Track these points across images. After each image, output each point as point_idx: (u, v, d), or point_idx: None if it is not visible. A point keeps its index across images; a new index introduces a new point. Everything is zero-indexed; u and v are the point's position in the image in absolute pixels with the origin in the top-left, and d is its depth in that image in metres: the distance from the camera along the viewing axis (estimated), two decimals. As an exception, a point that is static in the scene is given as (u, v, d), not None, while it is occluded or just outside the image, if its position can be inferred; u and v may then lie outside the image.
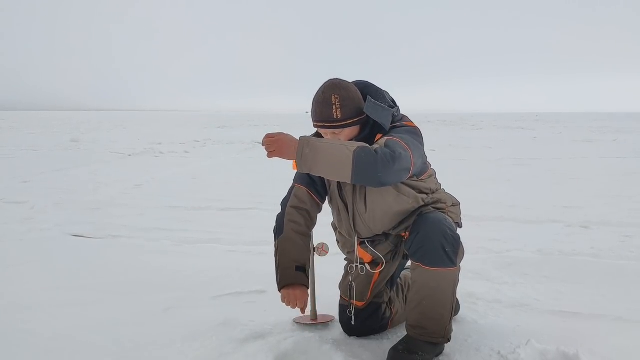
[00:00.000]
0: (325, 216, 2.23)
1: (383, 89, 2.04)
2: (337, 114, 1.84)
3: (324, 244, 2.17)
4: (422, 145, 1.94)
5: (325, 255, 2.19)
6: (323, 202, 2.16)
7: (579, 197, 5.50)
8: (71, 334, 2.13)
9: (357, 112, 1.88)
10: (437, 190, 2.08)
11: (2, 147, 12.69)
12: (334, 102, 1.84)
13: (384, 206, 1.95)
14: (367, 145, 1.73)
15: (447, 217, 1.95)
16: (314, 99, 1.91)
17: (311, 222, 2.15)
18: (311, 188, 2.11)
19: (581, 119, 46.95)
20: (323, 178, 2.10)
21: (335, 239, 2.26)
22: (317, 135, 2.01)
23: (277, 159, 1.80)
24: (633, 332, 2.18)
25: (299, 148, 1.71)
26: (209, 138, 16.98)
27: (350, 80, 2.00)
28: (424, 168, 2.00)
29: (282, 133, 1.78)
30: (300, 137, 1.76)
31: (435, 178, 2.12)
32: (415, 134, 1.91)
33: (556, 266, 3.09)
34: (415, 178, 1.96)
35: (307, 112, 2.12)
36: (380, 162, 1.67)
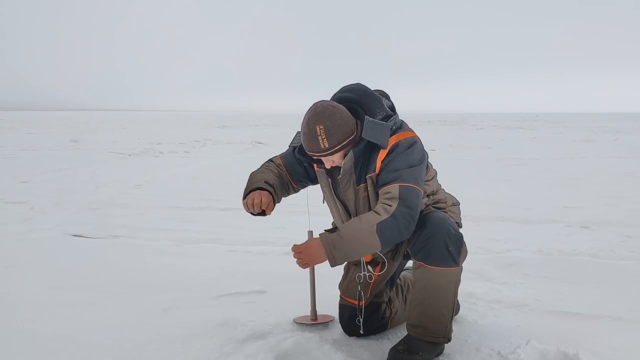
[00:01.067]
0: (326, 216, 2.24)
1: (381, 89, 2.04)
2: (324, 144, 1.84)
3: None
4: (423, 158, 1.92)
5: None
6: (295, 186, 2.19)
7: (579, 197, 5.50)
8: (71, 334, 2.14)
9: (345, 136, 1.86)
10: (437, 191, 2.10)
11: (2, 147, 12.68)
12: (319, 134, 1.83)
13: None
14: (385, 213, 1.77)
15: (449, 216, 1.96)
16: (301, 128, 1.91)
17: (283, 184, 2.15)
18: (289, 168, 2.15)
19: (581, 119, 46.95)
20: (309, 172, 2.13)
21: None
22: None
23: None
24: (633, 332, 2.19)
25: (328, 253, 1.80)
26: (209, 138, 16.99)
27: (348, 83, 1.99)
28: (426, 172, 2.01)
29: (306, 243, 1.87)
30: (322, 240, 1.81)
31: (436, 179, 2.13)
32: (413, 153, 1.88)
33: (556, 266, 3.09)
34: None
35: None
36: (403, 227, 1.79)
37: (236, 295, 2.62)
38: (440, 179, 2.20)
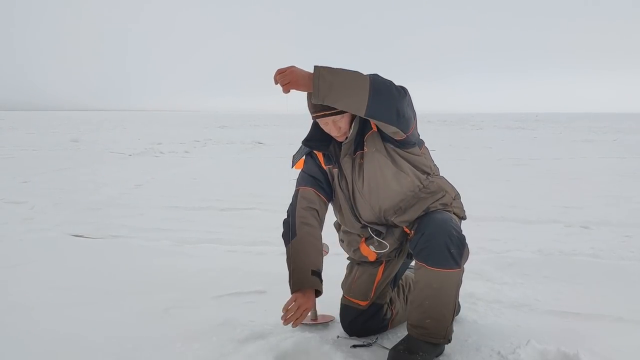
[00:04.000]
0: (327, 216, 2.24)
1: None
2: None
3: (324, 244, 2.17)
4: (414, 112, 1.92)
5: (325, 255, 2.19)
6: (329, 199, 2.14)
7: (579, 197, 5.50)
8: (71, 334, 2.14)
9: None
10: (435, 173, 2.08)
11: (2, 147, 12.68)
12: None
13: (382, 180, 1.96)
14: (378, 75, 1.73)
15: (452, 217, 1.95)
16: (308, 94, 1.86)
17: (321, 222, 2.11)
18: (317, 187, 2.09)
19: (581, 119, 46.94)
20: (326, 175, 2.09)
21: (339, 239, 2.26)
22: (314, 129, 2.03)
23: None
24: (633, 332, 2.19)
25: (315, 73, 1.67)
26: (209, 138, 16.98)
27: None
28: (420, 141, 2.03)
29: (293, 65, 1.72)
30: (314, 65, 1.69)
31: (431, 157, 2.12)
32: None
33: (556, 266, 3.09)
34: (416, 149, 1.99)
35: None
36: (395, 89, 1.72)
37: (236, 295, 2.62)
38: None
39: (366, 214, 2.05)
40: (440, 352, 1.97)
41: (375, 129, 1.94)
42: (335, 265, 2.48)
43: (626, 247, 3.53)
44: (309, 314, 2.26)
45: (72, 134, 18.48)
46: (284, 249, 2.05)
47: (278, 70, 1.73)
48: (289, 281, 1.96)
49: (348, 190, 2.05)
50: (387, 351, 1.95)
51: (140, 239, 3.81)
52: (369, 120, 1.92)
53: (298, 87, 1.72)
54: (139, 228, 4.17)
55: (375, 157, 1.95)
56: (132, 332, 2.16)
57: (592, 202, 5.21)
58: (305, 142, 2.05)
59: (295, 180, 2.17)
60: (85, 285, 2.77)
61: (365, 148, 1.96)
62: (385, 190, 1.97)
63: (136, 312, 2.39)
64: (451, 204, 2.03)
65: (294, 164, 2.14)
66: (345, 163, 2.02)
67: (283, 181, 2.17)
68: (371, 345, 2.06)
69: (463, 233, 1.91)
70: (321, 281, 1.98)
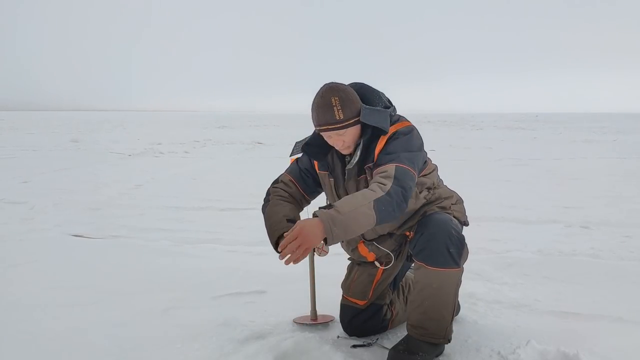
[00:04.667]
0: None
1: (378, 89, 2.03)
2: (339, 114, 1.83)
3: (324, 244, 2.17)
4: (421, 146, 1.94)
5: (325, 255, 2.19)
6: (309, 195, 2.15)
7: (579, 197, 5.50)
8: (71, 334, 2.14)
9: (357, 111, 1.87)
10: (438, 185, 2.08)
11: (2, 147, 12.68)
12: (334, 104, 1.83)
13: None
14: (380, 191, 1.71)
15: (452, 217, 1.95)
16: (314, 103, 1.89)
17: (297, 204, 2.11)
18: (299, 180, 2.12)
19: (581, 119, 46.94)
20: (316, 179, 2.11)
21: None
22: (315, 135, 2.01)
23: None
24: (633, 332, 2.18)
25: (327, 229, 1.63)
26: (209, 138, 16.99)
27: (346, 83, 2.00)
28: (424, 166, 2.01)
29: (299, 226, 1.64)
30: (320, 216, 1.65)
31: (437, 173, 2.12)
32: (411, 139, 1.89)
33: (556, 266, 3.09)
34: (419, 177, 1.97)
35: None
36: (397, 206, 1.74)
37: (236, 296, 2.62)
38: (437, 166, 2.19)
39: (368, 234, 2.07)
40: (440, 352, 1.97)
41: (375, 160, 1.90)
42: (335, 265, 2.48)
43: (626, 247, 3.53)
44: (309, 313, 2.26)
45: (72, 134, 18.49)
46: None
47: (286, 239, 1.64)
48: (269, 238, 1.98)
49: None
50: (387, 351, 1.95)
51: (140, 239, 3.81)
52: (372, 143, 1.91)
53: (314, 245, 1.65)
54: (139, 228, 4.17)
55: None
56: (132, 332, 2.16)
57: (592, 202, 5.21)
58: (304, 146, 2.04)
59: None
60: (85, 285, 2.77)
61: (368, 177, 1.95)
62: None
63: (136, 312, 2.39)
64: (450, 207, 2.03)
65: (292, 154, 2.15)
66: (350, 187, 2.02)
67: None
68: (371, 345, 2.06)
69: (462, 234, 1.91)
70: None
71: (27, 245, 3.62)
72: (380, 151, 1.88)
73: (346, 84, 1.98)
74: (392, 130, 1.90)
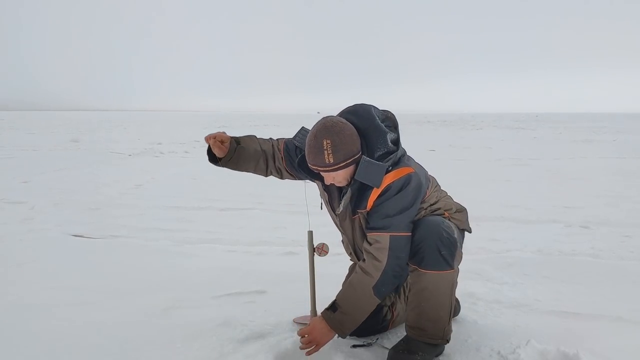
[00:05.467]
0: (325, 216, 2.23)
1: (388, 110, 1.97)
2: (329, 159, 1.78)
3: (324, 244, 2.17)
4: (418, 195, 1.88)
5: (325, 255, 2.19)
6: (289, 171, 2.14)
7: (579, 197, 5.50)
8: (71, 334, 2.14)
9: (351, 154, 1.80)
10: (438, 201, 2.04)
11: (2, 147, 12.68)
12: (325, 148, 1.77)
13: None
14: (376, 272, 1.82)
15: (444, 220, 1.94)
16: (307, 140, 1.84)
17: (269, 161, 2.15)
18: (287, 159, 2.12)
19: (581, 119, 46.94)
20: (304, 168, 2.05)
21: (341, 240, 2.26)
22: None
23: None
24: (633, 332, 2.19)
25: (338, 331, 1.86)
26: (209, 138, 16.94)
27: (355, 103, 1.94)
28: (427, 186, 1.98)
29: (311, 325, 1.87)
30: (328, 322, 1.85)
31: (437, 190, 2.07)
32: (405, 196, 1.83)
33: (556, 266, 3.09)
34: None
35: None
36: (395, 279, 1.86)
37: (236, 295, 2.62)
38: (440, 179, 2.18)
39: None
40: (440, 352, 1.97)
41: (368, 208, 1.88)
42: (335, 265, 2.48)
43: (626, 247, 3.53)
44: (309, 313, 2.26)
45: (72, 134, 18.47)
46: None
47: (300, 332, 1.88)
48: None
49: (349, 242, 2.10)
50: (387, 351, 1.95)
51: (140, 239, 3.81)
52: (367, 189, 1.88)
53: (325, 343, 1.88)
54: (139, 228, 4.17)
55: None
56: (132, 332, 2.16)
57: (592, 202, 5.21)
58: (300, 160, 2.01)
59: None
60: (85, 285, 2.77)
61: (361, 219, 1.94)
62: None
63: (136, 312, 2.39)
64: (447, 216, 2.01)
65: (293, 138, 2.11)
66: (347, 228, 2.03)
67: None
68: (371, 345, 2.07)
69: (454, 236, 1.89)
70: (240, 149, 2.08)
71: (27, 245, 3.62)
72: (374, 205, 1.86)
73: (359, 106, 1.91)
74: (386, 182, 1.83)
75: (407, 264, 1.89)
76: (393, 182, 1.83)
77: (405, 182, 1.84)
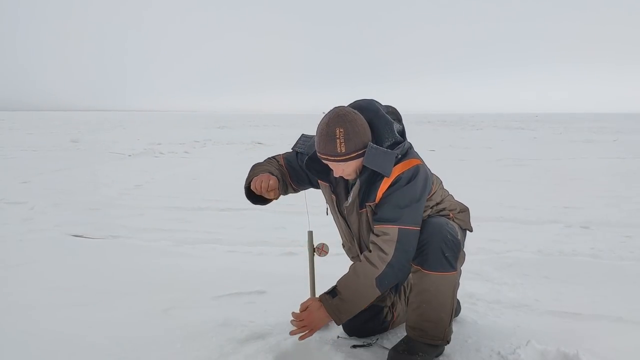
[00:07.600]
0: (325, 216, 2.23)
1: (392, 105, 1.97)
2: (341, 148, 1.75)
3: (324, 244, 2.17)
4: (426, 187, 1.87)
5: (325, 255, 2.19)
6: (296, 187, 2.13)
7: (579, 198, 5.50)
8: (71, 334, 2.14)
9: (362, 145, 1.77)
10: (442, 200, 2.04)
11: (2, 147, 12.67)
12: (337, 136, 1.74)
13: None
14: (382, 263, 1.80)
15: (449, 221, 1.94)
16: (318, 129, 1.80)
17: (283, 182, 2.10)
18: (291, 172, 2.10)
19: (581, 119, 46.95)
20: (311, 178, 2.07)
21: (342, 243, 2.26)
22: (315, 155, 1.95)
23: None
24: (633, 332, 2.19)
25: (334, 317, 1.85)
26: (209, 138, 16.97)
27: (360, 98, 1.95)
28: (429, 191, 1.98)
29: (308, 310, 1.87)
30: (326, 306, 1.84)
31: (441, 189, 2.07)
32: (414, 187, 1.82)
33: (556, 266, 3.09)
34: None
35: (323, 112, 2.08)
36: (400, 273, 1.85)
37: (236, 296, 2.62)
38: (440, 179, 2.18)
39: (366, 239, 2.03)
40: (440, 353, 1.97)
41: (377, 200, 1.87)
42: (335, 265, 2.47)
43: (626, 247, 3.53)
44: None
45: (71, 134, 18.48)
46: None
47: (295, 315, 1.88)
48: (246, 180, 2.05)
49: (353, 239, 2.08)
50: (387, 351, 1.95)
51: (140, 239, 3.81)
52: (376, 180, 1.87)
53: (319, 328, 1.89)
54: (139, 228, 4.17)
55: None
56: (132, 332, 2.16)
57: (592, 202, 5.21)
58: (307, 161, 1.98)
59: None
60: (85, 285, 2.77)
61: (369, 213, 1.93)
62: None
63: (136, 312, 2.39)
64: (452, 216, 2.01)
65: (294, 147, 2.11)
66: (353, 222, 2.01)
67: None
68: (371, 345, 2.07)
69: (458, 237, 1.90)
70: (278, 179, 2.00)
71: (27, 245, 3.62)
72: (383, 196, 1.84)
73: (363, 100, 1.90)
74: (395, 172, 1.82)
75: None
76: (403, 172, 1.82)
77: (415, 173, 1.83)
